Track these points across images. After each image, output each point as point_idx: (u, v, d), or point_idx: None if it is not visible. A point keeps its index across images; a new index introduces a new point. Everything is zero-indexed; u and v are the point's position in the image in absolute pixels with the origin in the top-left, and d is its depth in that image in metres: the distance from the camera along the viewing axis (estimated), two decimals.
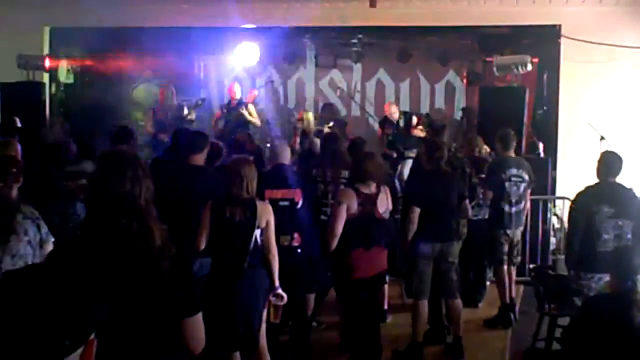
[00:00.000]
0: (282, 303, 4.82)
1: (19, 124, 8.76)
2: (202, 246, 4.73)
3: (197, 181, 5.43)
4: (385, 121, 10.50)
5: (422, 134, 9.70)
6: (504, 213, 6.82)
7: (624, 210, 5.22)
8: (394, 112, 10.26)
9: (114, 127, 6.64)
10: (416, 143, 8.92)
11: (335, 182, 6.15)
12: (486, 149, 7.56)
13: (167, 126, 9.99)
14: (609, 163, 5.35)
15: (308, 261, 5.68)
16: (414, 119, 10.46)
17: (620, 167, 5.32)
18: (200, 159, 5.63)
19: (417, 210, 5.78)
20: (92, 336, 1.55)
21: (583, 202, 5.35)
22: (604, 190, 5.31)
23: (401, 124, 10.17)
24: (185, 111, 10.35)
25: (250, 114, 10.38)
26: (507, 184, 6.80)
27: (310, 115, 10.47)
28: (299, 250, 5.48)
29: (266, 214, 4.71)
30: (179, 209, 5.11)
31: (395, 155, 9.79)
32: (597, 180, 5.38)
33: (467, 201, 6.13)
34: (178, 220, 5.02)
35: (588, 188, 5.42)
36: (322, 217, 5.96)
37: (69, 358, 1.49)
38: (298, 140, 9.87)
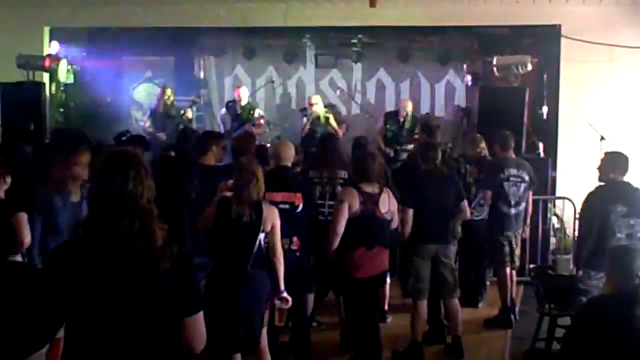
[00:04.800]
0: (287, 306, 4.80)
1: (32, 127, 8.86)
2: (202, 226, 4.83)
3: (208, 181, 5.41)
4: (390, 115, 10.33)
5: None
6: (504, 215, 6.77)
7: (637, 209, 5.25)
8: (406, 106, 10.08)
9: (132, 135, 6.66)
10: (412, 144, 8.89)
11: (333, 183, 6.13)
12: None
13: (166, 126, 9.99)
14: (616, 162, 5.36)
15: (308, 262, 5.67)
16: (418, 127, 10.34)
17: (627, 166, 5.33)
18: (210, 158, 5.64)
19: (410, 212, 5.77)
20: (59, 334, 1.53)
21: (597, 202, 5.34)
22: (618, 190, 5.32)
23: (407, 125, 10.02)
24: (182, 110, 10.35)
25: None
26: (505, 184, 6.75)
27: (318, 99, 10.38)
28: (297, 254, 5.46)
29: (272, 217, 4.68)
30: (187, 209, 5.13)
31: (392, 154, 9.75)
32: (599, 180, 5.38)
33: (465, 202, 6.11)
34: (186, 219, 5.06)
35: (599, 188, 5.41)
36: (320, 217, 5.93)
37: (32, 357, 1.47)
38: (307, 128, 9.94)
